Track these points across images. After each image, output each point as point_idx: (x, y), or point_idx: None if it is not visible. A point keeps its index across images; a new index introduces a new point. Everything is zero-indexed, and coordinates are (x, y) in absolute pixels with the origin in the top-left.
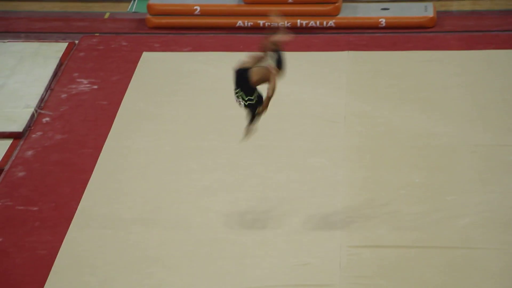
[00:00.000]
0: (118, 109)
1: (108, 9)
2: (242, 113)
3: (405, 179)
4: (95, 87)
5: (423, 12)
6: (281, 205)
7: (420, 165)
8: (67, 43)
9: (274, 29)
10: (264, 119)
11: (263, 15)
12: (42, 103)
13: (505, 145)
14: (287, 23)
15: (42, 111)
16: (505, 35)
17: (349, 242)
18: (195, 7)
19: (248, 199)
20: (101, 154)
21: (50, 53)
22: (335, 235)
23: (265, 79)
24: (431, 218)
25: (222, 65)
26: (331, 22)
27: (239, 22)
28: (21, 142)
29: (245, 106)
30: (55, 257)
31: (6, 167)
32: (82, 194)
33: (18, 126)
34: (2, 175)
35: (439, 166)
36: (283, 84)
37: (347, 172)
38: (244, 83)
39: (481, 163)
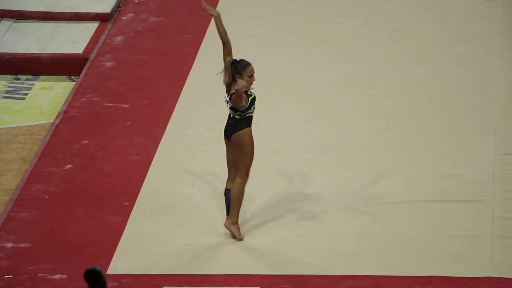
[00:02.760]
0: None
1: None
2: None
3: None
4: None
5: None
6: (419, 103)
7: None
8: None
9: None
10: None
11: None
12: None
13: None
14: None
15: None
16: None
17: (505, 148)
18: None
19: (380, 96)
20: (203, 41)
21: None
22: (488, 141)
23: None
24: None
25: None
26: None
27: None
28: (109, 26)
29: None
30: (150, 164)
31: (92, 56)
32: (182, 89)
33: (105, 6)
34: (87, 65)
35: None
36: None
37: (504, 64)
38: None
39: None
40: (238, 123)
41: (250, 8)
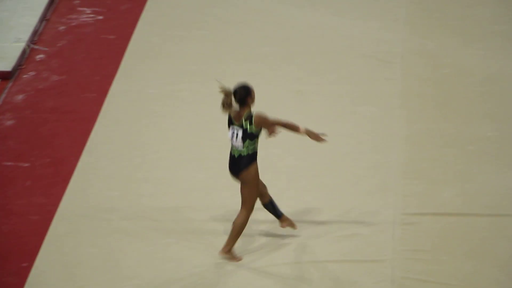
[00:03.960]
0: (127, 45)
1: None
2: (276, 51)
3: (475, 133)
4: (100, 17)
5: None
6: (322, 164)
7: (494, 115)
8: None
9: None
10: (302, 57)
11: None
12: (36, 37)
13: None
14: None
15: (36, 47)
16: None
17: (405, 208)
18: None
19: (283, 156)
20: (106, 99)
21: None
22: (388, 201)
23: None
24: (507, 179)
25: None
26: None
27: None
28: (10, 84)
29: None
30: (50, 224)
31: None
32: (83, 148)
33: (6, 64)
34: None
35: None
36: (328, 16)
37: (404, 124)
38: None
39: None
40: (245, 159)
41: (153, 66)
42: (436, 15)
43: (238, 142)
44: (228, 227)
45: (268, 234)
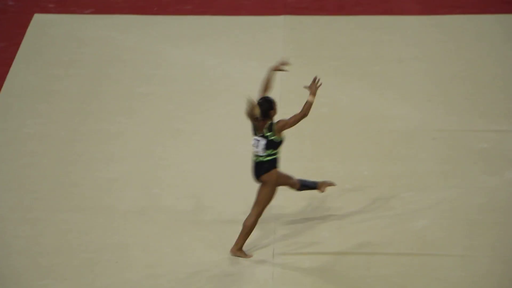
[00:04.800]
0: (2, 84)
1: None
2: (154, 90)
3: (352, 171)
4: None
5: None
6: (201, 202)
7: (370, 155)
8: None
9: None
10: (182, 96)
11: None
12: None
13: (471, 130)
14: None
15: None
16: None
17: (283, 248)
18: None
19: (162, 195)
20: None
21: None
22: (266, 240)
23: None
24: (382, 219)
25: (132, 31)
26: None
27: None
28: None
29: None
30: None
31: None
32: None
33: None
34: None
35: (393, 156)
36: (207, 56)
37: (282, 163)
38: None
39: (443, 152)
40: (266, 165)
41: (29, 105)
42: (314, 55)
43: (260, 150)
44: (108, 265)
45: (144, 275)
